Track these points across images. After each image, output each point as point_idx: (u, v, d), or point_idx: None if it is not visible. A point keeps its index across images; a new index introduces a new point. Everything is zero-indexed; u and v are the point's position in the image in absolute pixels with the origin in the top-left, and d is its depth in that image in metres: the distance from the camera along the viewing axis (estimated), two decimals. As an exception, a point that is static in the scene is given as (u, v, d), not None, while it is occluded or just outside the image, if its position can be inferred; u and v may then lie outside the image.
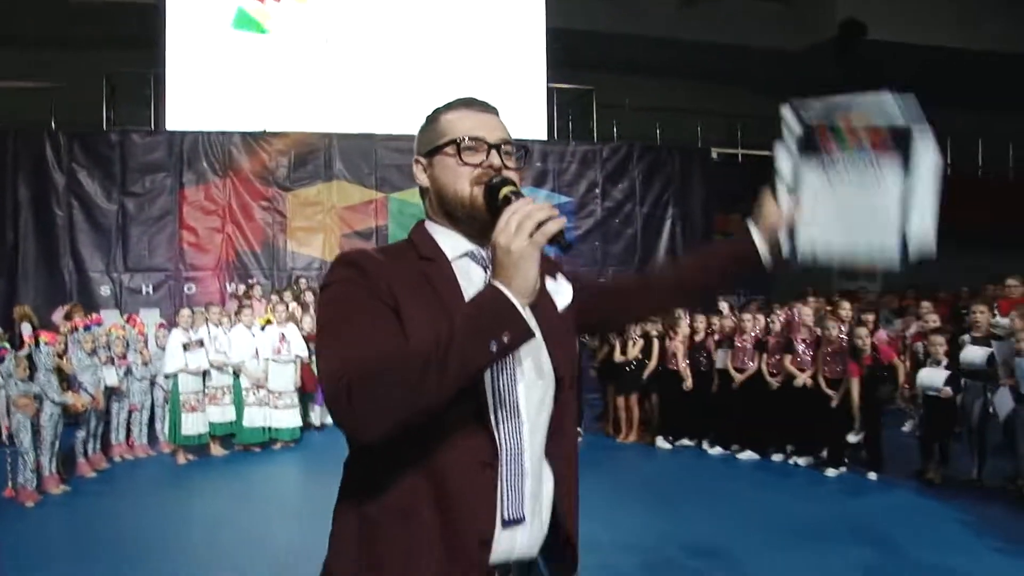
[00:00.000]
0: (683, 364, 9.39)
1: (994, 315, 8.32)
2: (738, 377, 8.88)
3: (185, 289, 12.06)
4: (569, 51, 14.26)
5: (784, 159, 1.91)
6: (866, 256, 1.83)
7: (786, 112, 1.89)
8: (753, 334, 8.94)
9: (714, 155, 15.66)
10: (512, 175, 1.71)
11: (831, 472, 8.10)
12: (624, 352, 9.75)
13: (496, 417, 1.61)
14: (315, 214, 12.67)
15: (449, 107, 1.79)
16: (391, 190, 12.90)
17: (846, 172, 1.83)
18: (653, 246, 14.28)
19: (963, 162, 18.29)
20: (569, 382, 1.76)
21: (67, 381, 7.92)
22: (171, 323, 10.46)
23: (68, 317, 9.32)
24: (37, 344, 7.75)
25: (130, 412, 9.20)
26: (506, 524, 1.61)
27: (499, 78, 13.68)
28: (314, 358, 9.85)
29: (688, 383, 9.32)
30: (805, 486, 7.81)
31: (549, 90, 14.41)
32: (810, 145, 1.87)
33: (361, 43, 13.04)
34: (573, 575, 1.80)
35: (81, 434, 8.41)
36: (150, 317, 10.67)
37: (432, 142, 1.75)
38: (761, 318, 9.27)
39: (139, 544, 6.16)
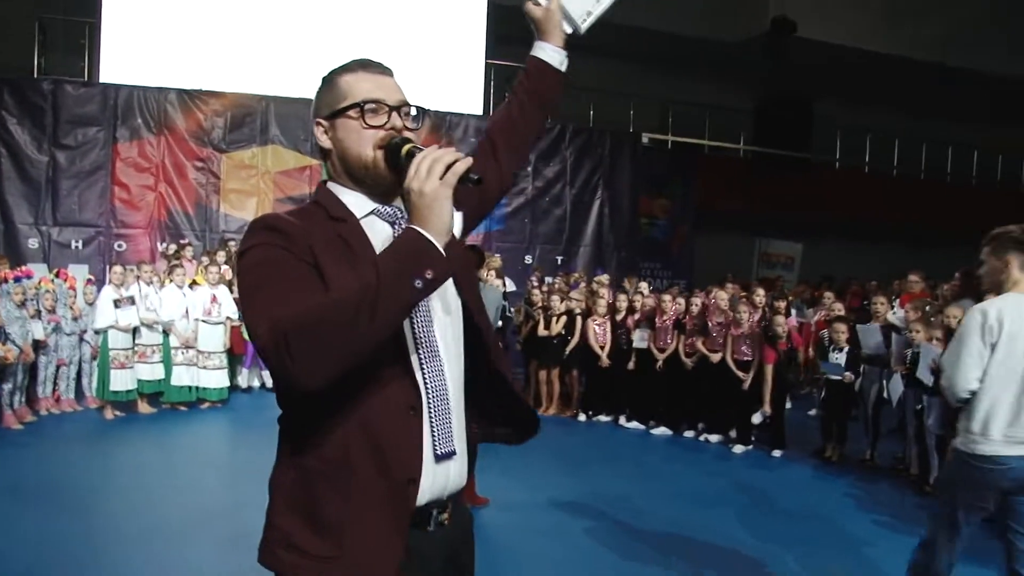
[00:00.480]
0: (599, 342, 9.80)
1: (892, 308, 8.93)
2: (659, 356, 9.32)
3: (115, 246, 11.97)
4: (508, 28, 14.45)
5: None
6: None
7: None
8: (672, 315, 9.39)
9: (645, 139, 16.06)
10: (411, 136, 1.76)
11: (738, 448, 8.63)
12: (548, 327, 10.12)
13: (418, 360, 1.71)
14: (249, 177, 12.68)
15: (346, 68, 1.81)
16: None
17: None
18: (581, 226, 14.65)
19: (880, 161, 19.18)
20: (475, 305, 1.88)
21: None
22: (100, 279, 10.50)
23: (-5, 269, 9.30)
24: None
25: (58, 367, 9.24)
26: (439, 459, 1.73)
27: (438, 51, 13.84)
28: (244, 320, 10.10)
29: (604, 361, 9.75)
30: (712, 460, 8.33)
31: (487, 66, 14.59)
32: None
33: (303, 7, 13.03)
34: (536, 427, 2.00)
35: (8, 386, 8.43)
36: (79, 273, 10.65)
37: (332, 105, 1.78)
38: (682, 301, 9.74)
39: (67, 491, 6.35)
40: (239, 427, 9.15)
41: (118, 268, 9.46)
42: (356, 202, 1.79)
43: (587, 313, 10.09)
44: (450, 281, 1.77)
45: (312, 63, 12.88)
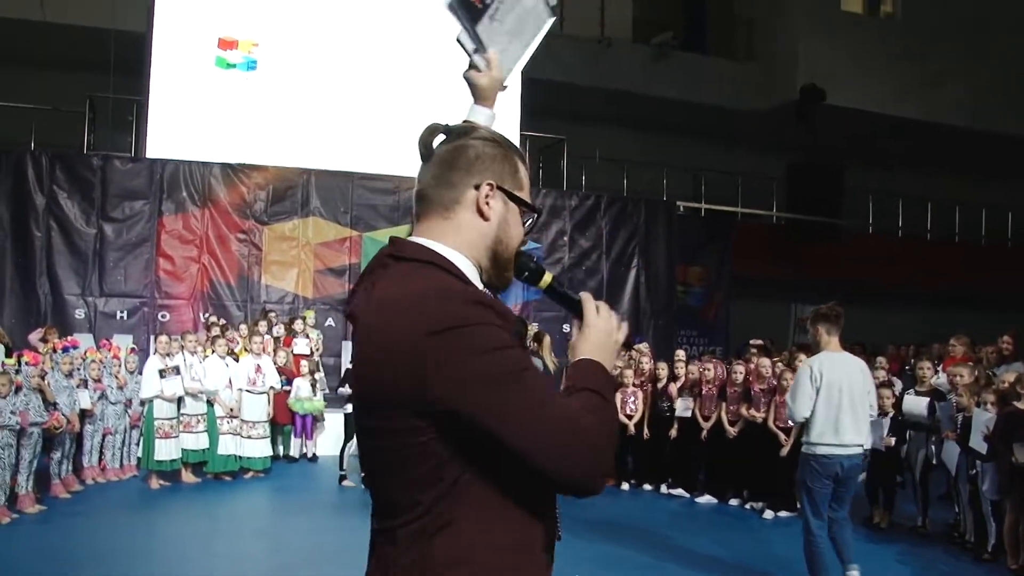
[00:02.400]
0: (629, 412, 9.80)
1: (936, 372, 8.85)
2: (704, 424, 9.26)
3: (159, 317, 12.15)
4: (543, 101, 14.74)
5: (463, 37, 2.08)
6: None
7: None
8: (717, 382, 9.35)
9: (679, 208, 16.19)
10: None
11: (784, 514, 8.49)
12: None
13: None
14: (290, 249, 12.89)
15: (518, 153, 1.71)
16: (365, 228, 13.16)
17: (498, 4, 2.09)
18: (618, 295, 14.67)
19: (913, 224, 19.16)
20: None
21: (48, 402, 8.06)
22: (144, 349, 10.64)
23: (44, 339, 9.48)
24: (19, 364, 7.90)
25: (104, 436, 9.33)
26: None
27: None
28: (288, 388, 10.15)
29: (631, 430, 9.72)
30: (759, 528, 8.18)
31: (522, 137, 14.83)
32: (469, 9, 2.06)
33: (342, 83, 13.35)
34: None
35: (56, 455, 8.53)
36: (123, 342, 10.78)
37: (509, 185, 1.66)
38: (722, 367, 9.70)
39: (113, 562, 6.36)
40: (281, 496, 9.17)
41: (163, 338, 9.59)
42: (474, 276, 1.64)
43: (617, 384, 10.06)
44: None
45: (351, 137, 13.21)
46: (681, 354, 10.58)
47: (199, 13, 13.05)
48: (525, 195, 1.68)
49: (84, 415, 8.92)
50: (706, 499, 9.23)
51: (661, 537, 7.56)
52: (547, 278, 1.75)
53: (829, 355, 5.59)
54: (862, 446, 5.70)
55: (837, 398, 5.47)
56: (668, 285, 15.22)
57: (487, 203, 1.62)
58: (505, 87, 2.16)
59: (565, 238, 14.42)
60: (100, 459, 9.36)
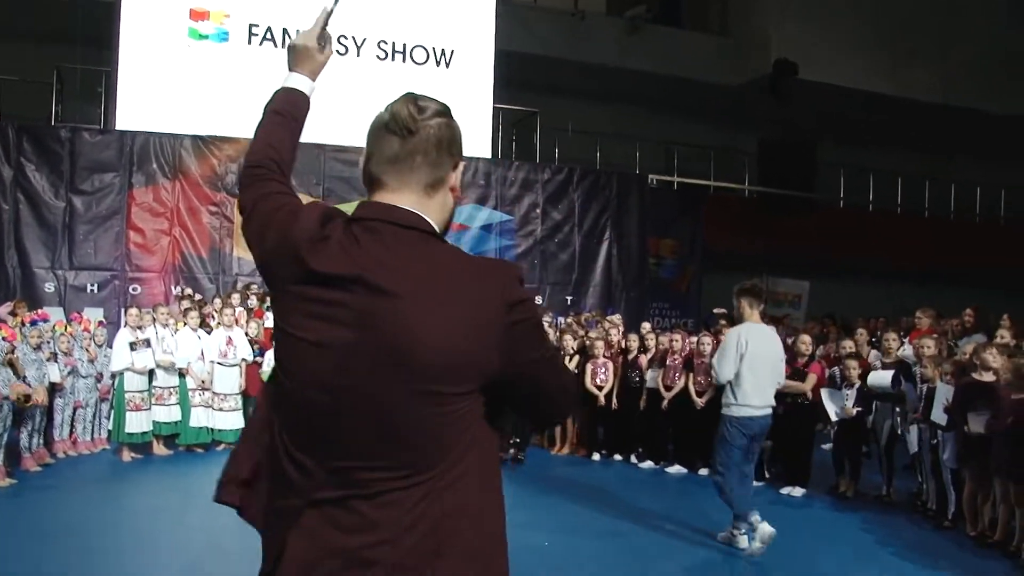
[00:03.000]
0: (599, 383, 9.91)
1: (903, 344, 9.00)
2: (666, 395, 9.37)
3: (130, 289, 12.10)
4: (517, 73, 14.72)
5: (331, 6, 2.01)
6: None
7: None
8: (683, 354, 9.45)
9: (651, 181, 16.25)
10: None
11: (755, 485, 8.63)
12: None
13: None
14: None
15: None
16: (337, 200, 13.07)
17: None
18: (590, 267, 14.77)
19: (884, 199, 19.36)
20: None
21: (18, 376, 8.02)
22: (115, 322, 10.60)
23: (14, 313, 9.41)
24: (-9, 338, 7.86)
25: (75, 409, 9.31)
26: None
27: (447, 95, 13.78)
28: (259, 360, 10.15)
29: (601, 400, 9.83)
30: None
31: (495, 110, 14.82)
32: None
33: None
34: None
35: (26, 429, 8.49)
36: (94, 316, 10.74)
37: (459, 154, 1.71)
38: (690, 339, 9.79)
39: (85, 535, 6.38)
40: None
41: (134, 311, 9.55)
42: None
43: (587, 355, 10.14)
44: None
45: (322, 108, 13.07)
46: (647, 326, 10.69)
47: (169, -17, 12.89)
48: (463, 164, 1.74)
49: (54, 388, 8.89)
50: (676, 469, 9.36)
51: (630, 506, 7.66)
52: None
53: (752, 326, 6.16)
54: (772, 407, 6.29)
55: (760, 365, 6.03)
56: (640, 258, 15.32)
57: (455, 178, 1.69)
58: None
59: (538, 211, 14.46)
60: (71, 432, 9.33)
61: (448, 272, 1.54)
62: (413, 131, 1.63)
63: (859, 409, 8.18)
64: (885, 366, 8.34)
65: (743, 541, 6.26)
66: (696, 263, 16.57)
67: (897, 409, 8.04)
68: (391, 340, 1.48)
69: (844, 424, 8.29)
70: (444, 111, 1.70)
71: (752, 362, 6.01)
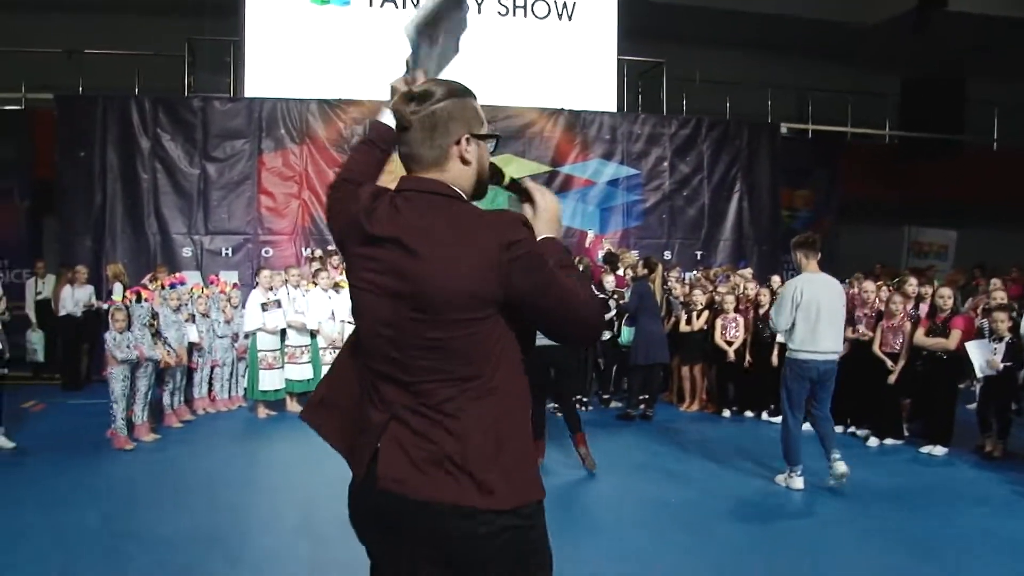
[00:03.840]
0: (730, 338, 9.65)
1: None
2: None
3: (262, 252, 12.44)
4: (640, 23, 14.27)
5: (410, 58, 2.34)
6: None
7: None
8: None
9: (783, 130, 15.55)
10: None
11: (889, 442, 8.21)
12: (689, 323, 9.89)
13: None
14: (389, 182, 12.86)
15: (469, 92, 2.06)
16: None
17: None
18: (720, 220, 14.28)
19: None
20: None
21: (159, 337, 8.34)
22: (248, 284, 10.89)
23: (155, 278, 9.80)
24: (138, 300, 8.17)
25: (212, 368, 9.64)
26: None
27: (571, 49, 13.80)
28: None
29: (731, 356, 9.60)
30: (860, 455, 7.82)
31: (619, 62, 14.43)
32: (425, 40, 2.35)
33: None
34: None
35: (168, 388, 8.88)
36: (229, 278, 11.07)
37: (475, 128, 2.03)
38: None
39: (224, 486, 6.63)
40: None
41: (266, 272, 9.78)
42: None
43: (717, 310, 9.80)
44: None
45: (449, 68, 13.05)
46: (777, 280, 10.22)
47: (292, -50, 13.02)
48: (484, 126, 2.07)
49: (193, 348, 9.23)
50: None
51: (760, 464, 7.38)
52: (507, 177, 2.16)
53: (808, 276, 6.54)
54: (837, 353, 6.56)
55: (815, 313, 6.34)
56: (772, 210, 14.72)
57: (467, 152, 2.01)
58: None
59: (665, 164, 14.06)
60: (210, 390, 9.69)
61: (463, 227, 1.91)
62: (407, 126, 2.00)
63: (1008, 364, 7.59)
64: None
65: (798, 483, 6.60)
66: (832, 214, 15.83)
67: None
68: (415, 287, 1.88)
69: (991, 379, 7.72)
70: (442, 96, 2.00)
71: (807, 311, 6.35)
